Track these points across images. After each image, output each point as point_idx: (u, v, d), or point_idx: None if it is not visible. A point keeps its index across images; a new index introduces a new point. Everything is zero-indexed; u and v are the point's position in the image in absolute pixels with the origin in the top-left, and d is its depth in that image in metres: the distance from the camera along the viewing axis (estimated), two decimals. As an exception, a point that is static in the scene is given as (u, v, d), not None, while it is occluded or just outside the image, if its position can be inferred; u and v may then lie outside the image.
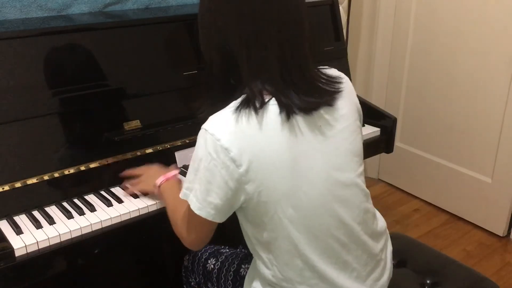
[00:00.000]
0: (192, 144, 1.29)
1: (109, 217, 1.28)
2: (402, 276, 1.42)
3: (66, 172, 1.35)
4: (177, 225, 1.15)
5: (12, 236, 1.19)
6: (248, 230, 1.09)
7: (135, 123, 1.47)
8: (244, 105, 0.98)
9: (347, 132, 1.08)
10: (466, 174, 2.53)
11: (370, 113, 1.93)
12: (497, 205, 2.42)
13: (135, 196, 1.37)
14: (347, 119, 1.08)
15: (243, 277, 1.26)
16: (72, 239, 1.23)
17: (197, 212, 1.01)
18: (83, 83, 1.40)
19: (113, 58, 1.47)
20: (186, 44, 1.64)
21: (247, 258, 1.30)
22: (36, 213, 1.29)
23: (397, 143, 2.73)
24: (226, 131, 0.96)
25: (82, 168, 1.38)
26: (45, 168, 1.32)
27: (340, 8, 2.17)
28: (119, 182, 1.42)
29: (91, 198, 1.37)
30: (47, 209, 1.31)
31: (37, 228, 1.22)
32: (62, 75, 1.38)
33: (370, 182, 2.94)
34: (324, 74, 1.08)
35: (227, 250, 1.38)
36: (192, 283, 1.41)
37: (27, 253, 1.17)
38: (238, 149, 0.96)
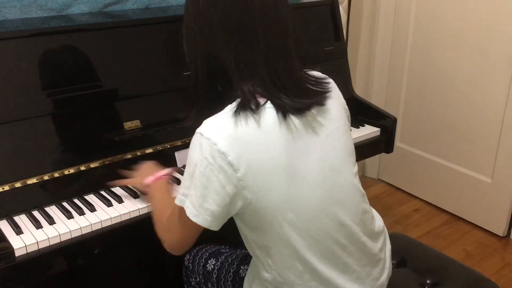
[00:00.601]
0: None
1: (109, 217, 1.29)
2: (402, 276, 1.42)
3: (66, 172, 1.35)
4: (160, 227, 1.13)
5: (12, 236, 1.19)
6: (246, 233, 1.09)
7: (135, 123, 1.47)
8: (242, 108, 0.97)
9: (339, 133, 1.08)
10: (466, 174, 2.53)
11: (370, 113, 1.93)
12: (497, 205, 2.42)
13: (135, 196, 1.37)
14: (338, 120, 1.09)
15: (242, 279, 1.25)
16: (72, 239, 1.23)
17: (193, 219, 0.99)
18: (82, 83, 1.40)
19: (113, 58, 1.47)
20: (186, 44, 1.64)
21: (247, 258, 1.30)
22: (36, 213, 1.29)
23: (397, 143, 2.73)
24: (223, 135, 0.95)
25: (82, 168, 1.38)
26: (45, 168, 1.33)
27: (340, 8, 2.17)
28: (119, 182, 1.42)
29: (91, 198, 1.37)
30: (47, 209, 1.31)
31: (37, 228, 1.22)
32: (62, 75, 1.38)
33: (370, 182, 2.93)
34: (312, 76, 1.08)
35: (227, 251, 1.38)
36: (193, 283, 1.41)
37: (27, 253, 1.17)
38: (235, 153, 0.95)
